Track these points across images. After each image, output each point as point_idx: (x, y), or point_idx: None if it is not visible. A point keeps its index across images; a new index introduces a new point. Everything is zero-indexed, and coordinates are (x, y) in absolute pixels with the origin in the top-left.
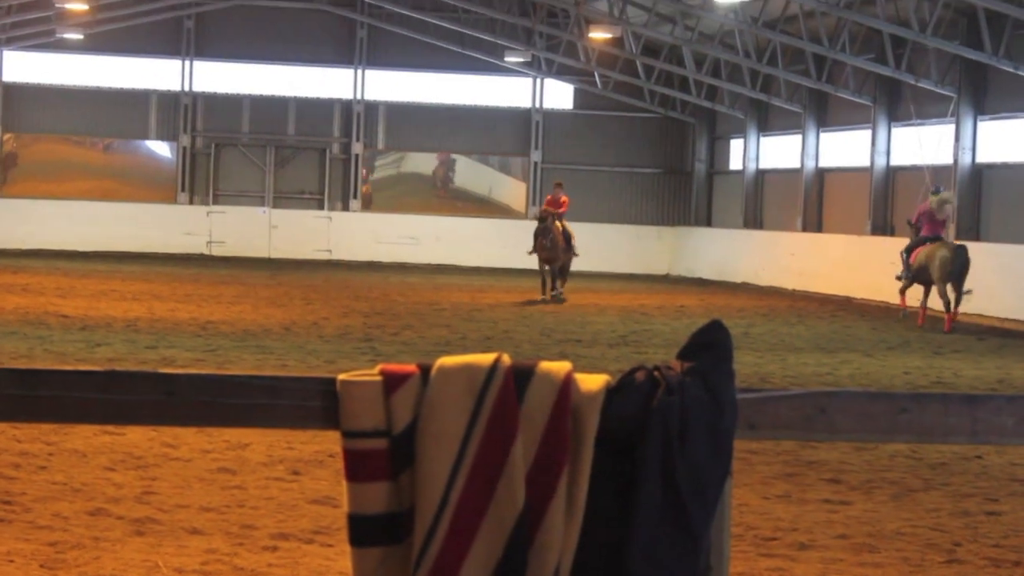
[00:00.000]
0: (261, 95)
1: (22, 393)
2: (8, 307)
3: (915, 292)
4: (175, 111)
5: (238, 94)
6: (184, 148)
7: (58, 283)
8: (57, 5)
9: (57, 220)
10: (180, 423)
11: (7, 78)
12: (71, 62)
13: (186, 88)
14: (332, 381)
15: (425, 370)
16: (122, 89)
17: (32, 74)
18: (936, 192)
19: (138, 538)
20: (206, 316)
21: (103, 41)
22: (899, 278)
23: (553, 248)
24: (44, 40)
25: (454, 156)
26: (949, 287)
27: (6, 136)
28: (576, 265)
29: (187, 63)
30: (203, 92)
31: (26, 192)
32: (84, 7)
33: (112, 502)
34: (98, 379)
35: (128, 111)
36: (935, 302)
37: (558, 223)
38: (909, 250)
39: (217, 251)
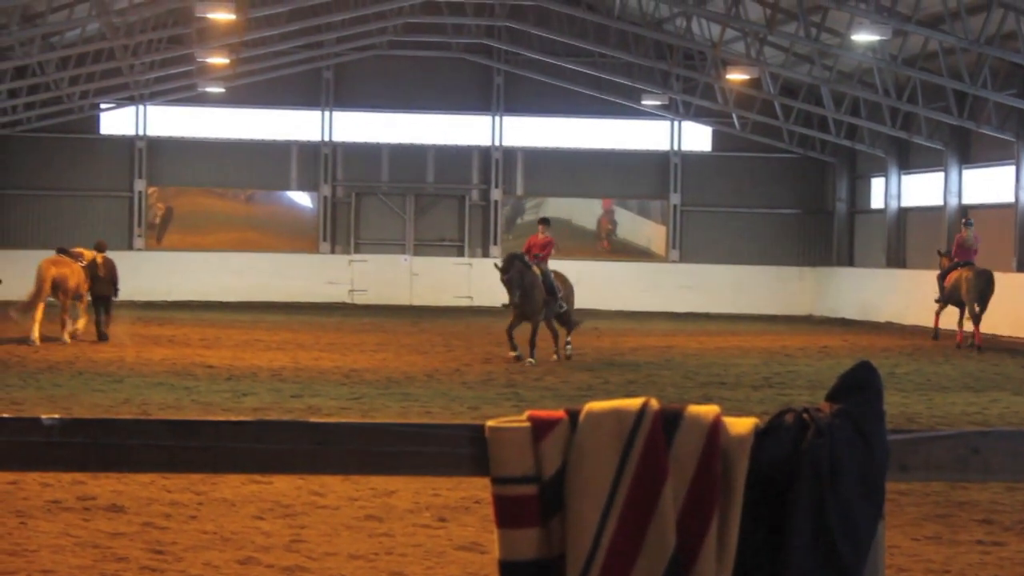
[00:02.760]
0: (400, 143)
1: (176, 444)
2: (156, 358)
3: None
4: (315, 161)
5: (377, 143)
6: (325, 198)
7: (203, 334)
8: (198, 59)
9: (201, 272)
10: (330, 472)
11: (151, 132)
12: (212, 115)
13: (326, 138)
14: (480, 428)
15: (573, 416)
16: (263, 141)
17: (175, 128)
18: (968, 224)
19: None
20: (350, 364)
21: (244, 94)
22: (937, 301)
23: (527, 302)
24: (186, 94)
25: (594, 200)
26: (976, 305)
27: (150, 190)
28: (718, 307)
29: (326, 113)
30: (343, 142)
31: (170, 244)
32: (225, 61)
33: (262, 551)
34: (250, 429)
35: (269, 162)
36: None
37: (536, 268)
38: (943, 276)
39: (359, 299)
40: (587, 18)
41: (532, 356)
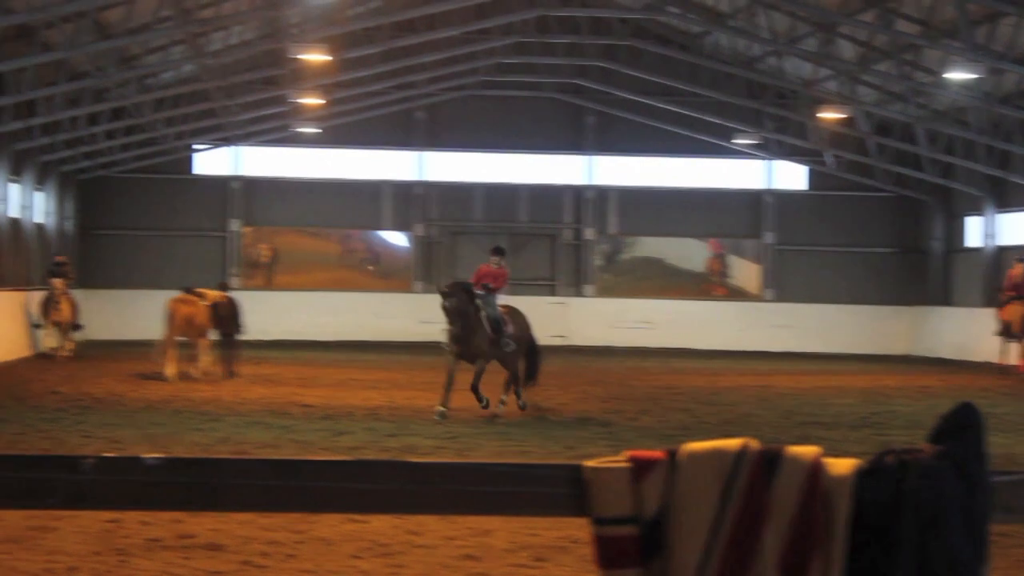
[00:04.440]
0: (492, 183)
1: (276, 483)
2: (254, 397)
3: None
4: (409, 201)
5: (470, 182)
6: (419, 237)
7: (299, 373)
8: (292, 100)
9: (296, 311)
10: (429, 511)
11: (245, 172)
12: (306, 155)
13: (419, 178)
14: (579, 468)
15: (673, 456)
16: (356, 180)
17: (269, 168)
18: (1021, 260)
19: None
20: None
21: (337, 134)
22: (997, 334)
23: (466, 338)
24: (280, 135)
25: (686, 240)
26: None
27: (245, 230)
28: (814, 346)
29: (419, 153)
30: (436, 181)
31: (264, 284)
32: (319, 101)
33: None
34: (350, 468)
35: (363, 202)
36: None
37: (478, 303)
38: (1000, 308)
39: None
40: (679, 57)
41: (482, 401)
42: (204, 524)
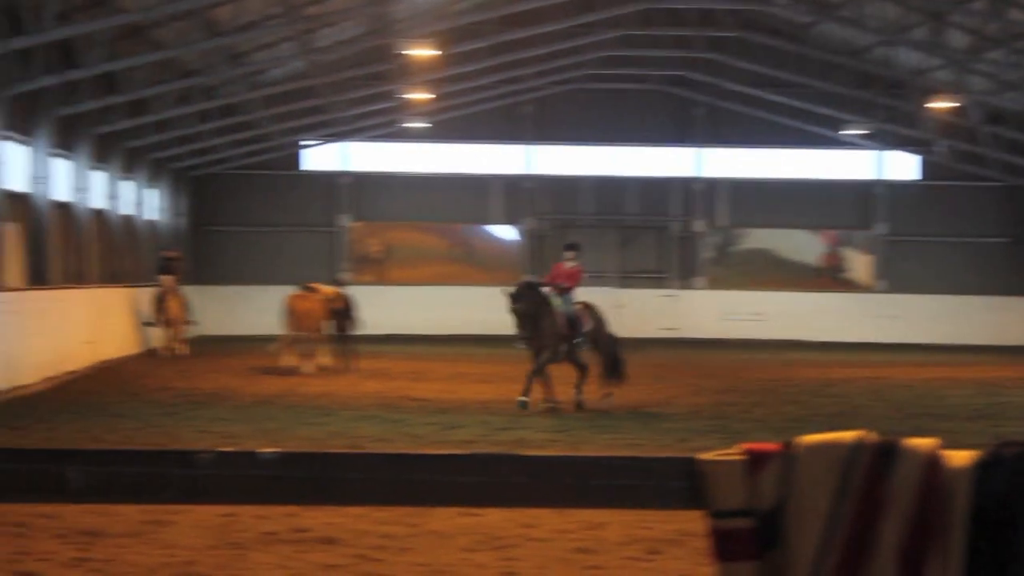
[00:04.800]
0: (601, 176)
1: (391, 477)
2: (367, 391)
3: None
4: (518, 195)
5: (578, 176)
6: (528, 231)
7: (411, 367)
8: (400, 96)
9: (406, 305)
10: (545, 505)
11: (353, 168)
12: (414, 150)
13: (528, 172)
14: (694, 461)
15: (788, 448)
16: (465, 175)
17: (377, 163)
18: None
19: None
20: (556, 396)
21: (445, 129)
22: None
23: (536, 335)
24: (388, 130)
25: (796, 231)
26: None
27: (354, 225)
28: (926, 337)
29: (528, 147)
30: (544, 175)
31: (376, 279)
32: (427, 97)
33: None
34: (465, 462)
35: (471, 196)
36: None
37: (557, 303)
38: None
39: None
40: (787, 48)
41: (524, 399)
42: (319, 518)
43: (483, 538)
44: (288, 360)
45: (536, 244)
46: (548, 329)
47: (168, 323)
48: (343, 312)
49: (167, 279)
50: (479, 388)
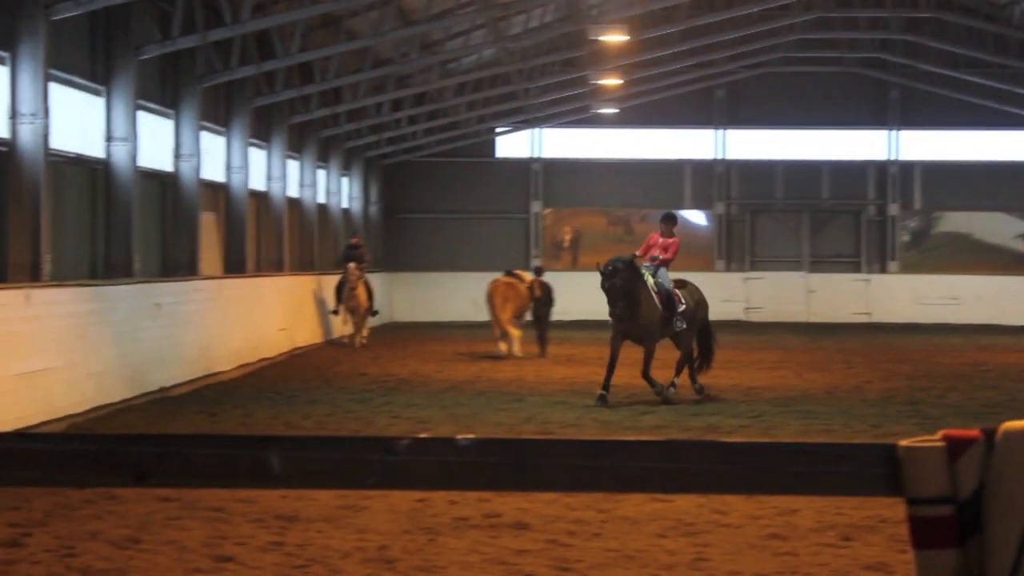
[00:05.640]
0: (793, 160)
1: (583, 464)
2: (555, 377)
3: None
4: (709, 180)
5: (771, 160)
6: (719, 216)
7: (600, 352)
8: (592, 82)
9: (596, 291)
10: (737, 491)
11: (545, 154)
12: (605, 136)
13: (719, 156)
14: (893, 447)
15: (989, 434)
16: (656, 160)
17: (568, 150)
18: None
19: None
20: (747, 382)
21: (636, 114)
22: None
23: (632, 316)
24: (580, 116)
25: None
26: None
27: (546, 211)
28: None
29: (720, 132)
30: (736, 160)
31: (564, 265)
32: (618, 82)
33: (665, 569)
34: (658, 448)
35: (662, 181)
36: None
37: (650, 279)
38: None
39: (754, 317)
40: (985, 28)
41: (656, 388)
42: (510, 503)
43: (674, 524)
44: (502, 346)
45: (728, 229)
46: (645, 307)
47: (352, 311)
48: (543, 300)
49: (352, 267)
50: (668, 373)
